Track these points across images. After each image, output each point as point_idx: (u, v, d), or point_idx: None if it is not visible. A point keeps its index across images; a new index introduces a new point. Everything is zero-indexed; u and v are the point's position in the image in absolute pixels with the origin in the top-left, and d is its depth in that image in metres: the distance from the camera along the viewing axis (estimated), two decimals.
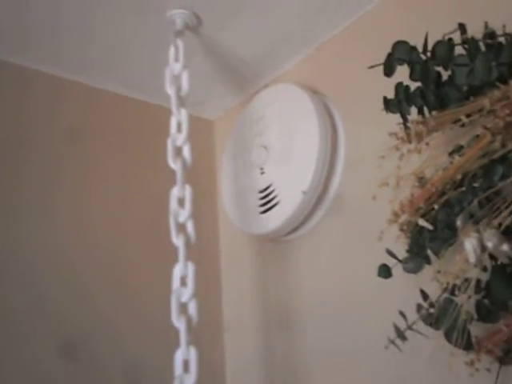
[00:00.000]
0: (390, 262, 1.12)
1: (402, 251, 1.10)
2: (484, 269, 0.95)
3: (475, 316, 0.97)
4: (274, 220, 1.54)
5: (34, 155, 1.56)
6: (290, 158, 1.52)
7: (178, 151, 1.35)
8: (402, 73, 1.09)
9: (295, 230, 1.56)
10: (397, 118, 1.11)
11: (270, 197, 1.55)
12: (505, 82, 0.94)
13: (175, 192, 1.31)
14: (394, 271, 1.11)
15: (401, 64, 1.08)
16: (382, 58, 1.10)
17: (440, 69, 1.06)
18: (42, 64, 1.60)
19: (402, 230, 1.07)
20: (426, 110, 1.09)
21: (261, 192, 1.58)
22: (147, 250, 1.64)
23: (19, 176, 1.52)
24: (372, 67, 1.10)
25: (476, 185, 0.97)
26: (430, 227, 1.03)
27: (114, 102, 1.76)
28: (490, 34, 1.02)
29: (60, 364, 1.44)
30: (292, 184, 1.49)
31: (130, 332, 1.55)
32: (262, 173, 1.59)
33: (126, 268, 1.61)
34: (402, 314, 1.06)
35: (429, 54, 1.06)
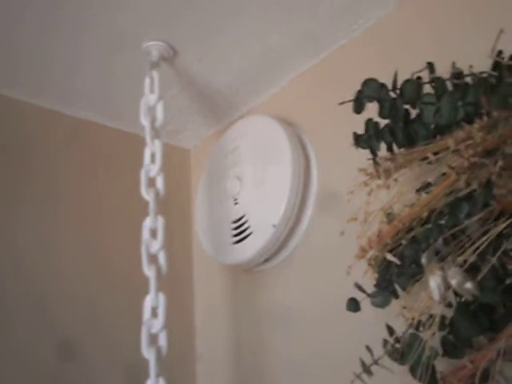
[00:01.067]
0: (360, 296, 1.13)
1: (370, 286, 1.11)
2: (449, 305, 0.96)
3: (440, 351, 0.98)
4: (247, 250, 1.54)
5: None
6: (263, 189, 1.53)
7: (152, 182, 1.36)
8: (373, 108, 1.10)
9: (267, 260, 1.57)
10: (367, 153, 1.13)
11: (243, 227, 1.56)
12: (471, 122, 0.95)
13: (147, 223, 1.31)
14: (362, 305, 1.12)
15: (370, 101, 1.09)
16: (354, 92, 1.11)
17: (408, 107, 1.08)
18: (29, 96, 1.63)
19: (370, 264, 1.07)
20: (395, 146, 1.10)
21: (234, 222, 1.59)
22: (119, 280, 1.64)
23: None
24: (342, 103, 1.11)
25: (442, 222, 0.98)
26: (398, 262, 1.03)
27: (94, 131, 1.78)
28: (458, 74, 1.03)
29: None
30: (264, 216, 1.50)
31: (100, 362, 1.55)
32: (236, 203, 1.60)
33: (98, 298, 1.61)
34: (369, 349, 1.07)
35: (398, 91, 1.07)
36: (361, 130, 1.13)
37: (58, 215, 1.62)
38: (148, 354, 1.19)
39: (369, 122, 1.12)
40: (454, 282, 0.89)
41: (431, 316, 0.95)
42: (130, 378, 1.51)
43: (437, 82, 1.03)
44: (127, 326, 1.54)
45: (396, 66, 1.08)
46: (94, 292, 1.60)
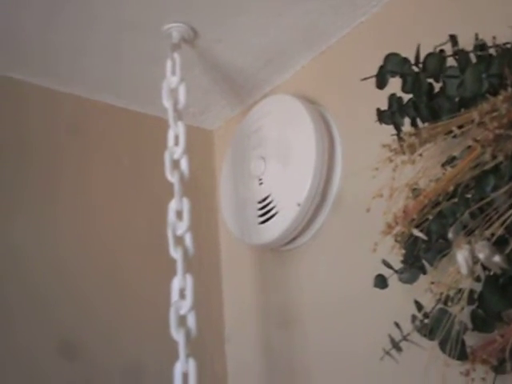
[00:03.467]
0: (387, 272, 1.13)
1: (397, 262, 1.11)
2: (477, 279, 0.95)
3: (470, 326, 0.97)
4: (273, 230, 1.54)
5: (32, 166, 1.58)
6: (287, 169, 1.53)
7: (176, 164, 1.36)
8: (396, 84, 1.09)
9: (294, 240, 1.57)
10: (391, 129, 1.12)
11: (269, 207, 1.56)
12: (495, 94, 0.94)
13: (173, 205, 1.32)
14: (389, 282, 1.12)
15: (393, 76, 1.08)
16: (376, 69, 1.10)
17: (432, 80, 1.07)
18: (39, 77, 1.62)
19: (396, 240, 1.07)
20: (418, 121, 1.09)
21: (259, 202, 1.59)
22: (146, 262, 1.65)
23: (18, 183, 1.54)
24: (365, 79, 1.10)
25: (468, 196, 0.97)
26: (425, 238, 1.03)
27: (112, 114, 1.77)
28: (481, 46, 1.02)
29: (59, 365, 1.45)
30: (289, 195, 1.50)
31: (129, 339, 1.56)
32: (261, 183, 1.59)
33: (126, 279, 1.62)
34: (397, 325, 1.07)
35: (421, 65, 1.06)
36: (384, 106, 1.13)
37: (90, 197, 1.63)
38: (177, 335, 1.18)
39: (392, 97, 1.11)
40: (481, 256, 0.88)
41: (460, 290, 0.95)
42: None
43: (460, 54, 1.02)
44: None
45: (418, 39, 1.07)
46: (122, 275, 1.62)
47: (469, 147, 0.96)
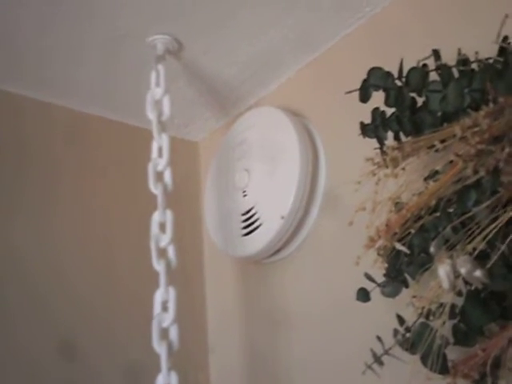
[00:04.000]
0: (369, 286, 1.13)
1: (380, 275, 1.11)
2: (459, 293, 0.96)
3: (451, 340, 0.97)
4: (257, 242, 1.54)
5: (30, 174, 1.59)
6: (271, 181, 1.53)
7: (159, 176, 1.36)
8: (380, 97, 1.10)
9: (277, 252, 1.56)
10: (374, 142, 1.12)
11: (252, 219, 1.55)
12: (477, 109, 0.95)
13: (156, 217, 1.31)
14: (372, 295, 1.12)
15: (376, 90, 1.08)
16: (360, 82, 1.11)
17: (415, 95, 1.07)
18: (29, 89, 1.62)
19: (379, 254, 1.07)
20: (401, 135, 1.10)
21: (243, 214, 1.58)
22: (130, 274, 1.64)
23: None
24: (349, 92, 1.10)
25: (450, 210, 0.97)
26: (407, 251, 1.03)
27: (98, 125, 1.77)
28: (464, 61, 1.02)
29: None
30: (273, 208, 1.50)
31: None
32: (245, 195, 1.59)
33: (120, 282, 1.63)
34: (379, 339, 1.07)
35: (404, 79, 1.07)
36: (367, 120, 1.13)
37: (57, 212, 1.61)
38: (159, 348, 1.19)
39: (375, 111, 1.12)
40: (463, 270, 0.88)
41: (441, 305, 0.95)
42: (130, 377, 1.51)
43: (443, 69, 1.03)
44: (129, 326, 1.57)
45: (401, 54, 1.08)
46: (94, 291, 1.60)
47: (451, 162, 0.96)
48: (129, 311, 1.59)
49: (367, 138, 1.14)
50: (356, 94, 1.10)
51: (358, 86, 1.10)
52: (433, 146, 0.99)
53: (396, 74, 1.07)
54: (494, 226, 0.89)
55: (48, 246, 1.55)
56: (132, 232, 1.68)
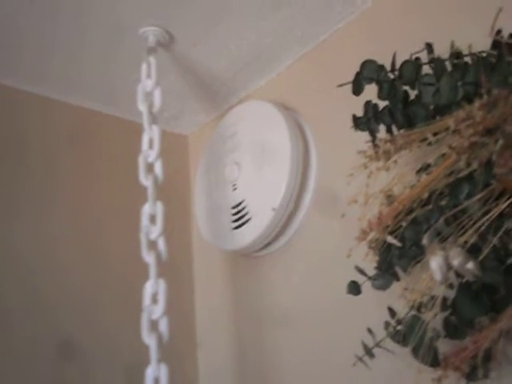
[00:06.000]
0: (360, 279, 1.13)
1: (371, 268, 1.11)
2: (451, 286, 0.96)
3: (442, 333, 0.98)
4: (247, 236, 1.54)
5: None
6: (262, 174, 1.53)
7: (150, 168, 1.35)
8: (372, 91, 1.10)
9: (267, 245, 1.56)
10: (366, 135, 1.12)
11: (242, 213, 1.55)
12: (471, 102, 0.95)
13: (146, 209, 1.31)
14: (363, 288, 1.12)
15: (369, 83, 1.08)
16: (352, 76, 1.11)
17: (408, 88, 1.07)
18: (27, 84, 1.62)
19: (370, 247, 1.07)
20: (394, 128, 1.10)
21: (233, 208, 1.58)
22: (119, 267, 1.64)
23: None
24: (341, 85, 1.10)
25: (443, 203, 0.97)
26: (399, 244, 1.03)
27: (95, 120, 1.77)
28: (457, 54, 1.02)
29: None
30: (263, 200, 1.50)
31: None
32: (235, 189, 1.59)
33: (97, 296, 1.61)
34: (370, 331, 1.07)
35: (396, 73, 1.07)
36: (360, 113, 1.13)
37: (56, 208, 1.61)
38: (149, 340, 1.18)
39: (368, 103, 1.12)
40: (455, 263, 0.88)
41: (433, 297, 0.96)
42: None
43: (436, 62, 1.03)
44: (128, 325, 1.54)
45: (394, 47, 1.08)
46: (93, 290, 1.60)
47: (443, 154, 0.96)
48: (128, 310, 1.57)
49: (358, 132, 1.14)
50: (347, 88, 1.10)
51: (350, 79, 1.10)
52: (425, 139, 0.99)
53: (389, 68, 1.08)
54: (486, 218, 0.90)
55: (47, 246, 1.55)
56: (126, 225, 1.67)
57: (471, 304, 0.95)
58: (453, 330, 0.97)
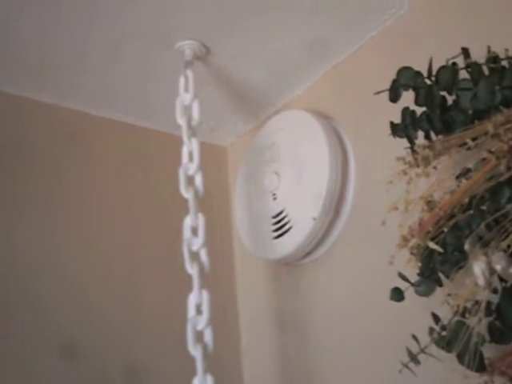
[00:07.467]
0: (402, 285, 1.12)
1: (413, 275, 1.11)
2: (494, 291, 0.95)
3: (488, 338, 0.97)
4: (288, 245, 1.55)
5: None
6: (301, 183, 1.54)
7: (190, 180, 1.36)
8: (409, 97, 1.10)
9: (309, 254, 1.57)
10: (404, 142, 1.12)
11: (283, 222, 1.56)
12: (509, 106, 0.95)
13: (188, 221, 1.32)
14: (406, 294, 1.12)
15: (406, 89, 1.08)
16: (389, 83, 1.11)
17: (445, 93, 1.07)
18: (59, 99, 1.65)
19: (412, 253, 1.07)
20: (432, 134, 1.10)
21: (274, 217, 1.59)
22: (162, 279, 1.65)
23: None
24: (378, 93, 1.11)
25: (484, 207, 0.97)
26: (440, 250, 1.03)
27: (126, 132, 1.79)
28: (493, 58, 1.02)
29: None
30: (303, 209, 1.51)
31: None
32: (275, 198, 1.60)
33: (140, 297, 1.62)
34: (415, 338, 1.07)
35: (433, 78, 1.07)
36: (397, 120, 1.13)
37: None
38: (195, 351, 1.18)
39: (405, 110, 1.12)
40: (498, 267, 0.88)
41: (477, 302, 0.95)
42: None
43: (472, 67, 1.03)
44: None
45: (430, 53, 1.08)
46: (136, 292, 1.62)
47: (483, 159, 0.96)
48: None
49: (396, 139, 1.14)
50: (384, 95, 1.10)
51: (386, 86, 1.10)
52: (464, 143, 0.99)
53: (425, 74, 1.08)
54: None
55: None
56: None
57: None
58: (498, 334, 0.96)
